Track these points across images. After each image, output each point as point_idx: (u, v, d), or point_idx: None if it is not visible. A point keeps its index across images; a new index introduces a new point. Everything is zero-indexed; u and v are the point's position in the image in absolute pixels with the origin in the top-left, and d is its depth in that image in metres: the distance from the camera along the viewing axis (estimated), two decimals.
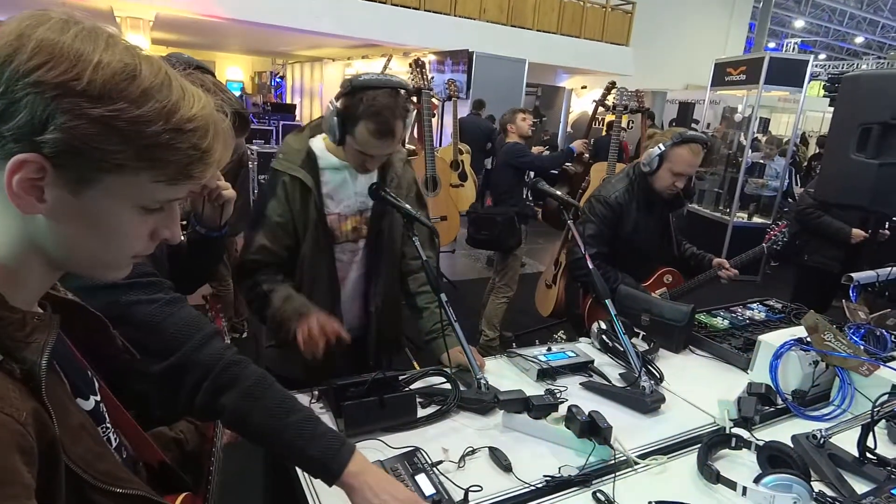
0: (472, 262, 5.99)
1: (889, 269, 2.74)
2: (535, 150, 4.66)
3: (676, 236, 2.44)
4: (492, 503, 1.05)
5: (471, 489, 1.04)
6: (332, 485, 0.86)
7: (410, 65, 3.22)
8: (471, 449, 1.19)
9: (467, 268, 5.86)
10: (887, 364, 1.44)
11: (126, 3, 7.56)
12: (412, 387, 1.39)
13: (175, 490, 0.81)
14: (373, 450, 1.17)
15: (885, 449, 1.29)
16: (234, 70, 16.95)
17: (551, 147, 9.42)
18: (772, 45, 17.22)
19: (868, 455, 1.21)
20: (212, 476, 0.96)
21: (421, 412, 1.31)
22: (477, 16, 9.31)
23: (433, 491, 1.01)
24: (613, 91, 3.88)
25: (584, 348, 1.73)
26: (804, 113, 7.43)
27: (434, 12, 8.98)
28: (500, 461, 1.16)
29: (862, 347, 1.52)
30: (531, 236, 6.96)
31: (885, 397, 1.21)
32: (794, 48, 17.83)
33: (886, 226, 3.43)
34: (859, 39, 20.18)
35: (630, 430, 1.33)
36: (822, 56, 19.06)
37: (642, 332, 1.79)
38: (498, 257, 3.75)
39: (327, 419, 1.27)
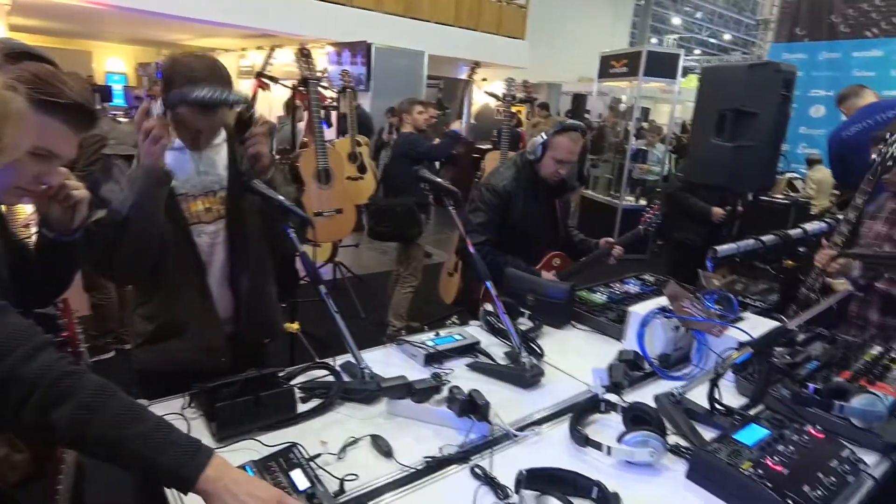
0: (378, 254, 5.95)
1: (747, 241, 3.06)
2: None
3: (563, 221, 2.56)
4: (370, 490, 1.05)
5: (346, 479, 1.03)
6: (187, 493, 0.81)
7: (296, 53, 3.12)
8: (352, 439, 1.18)
9: (373, 261, 5.81)
10: (734, 325, 1.60)
11: None
12: (294, 382, 1.36)
13: None
14: (247, 450, 1.12)
15: (734, 400, 1.44)
16: (115, 61, 15.52)
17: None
18: (654, 40, 18.57)
19: (717, 406, 1.34)
20: (58, 496, 0.88)
21: (302, 407, 1.28)
22: (374, 7, 9.19)
23: (308, 485, 0.98)
24: (478, 71, 3.97)
25: (473, 331, 1.78)
26: (682, 103, 8.06)
27: (330, 3, 8.75)
28: (382, 448, 1.16)
29: (715, 311, 1.68)
30: (437, 227, 7.06)
31: (728, 353, 1.34)
32: (672, 43, 19.34)
33: (739, 203, 3.80)
34: (727, 37, 22.28)
35: (511, 405, 1.38)
36: (698, 51, 20.84)
37: (527, 312, 1.87)
38: (400, 248, 3.76)
39: (201, 423, 1.21)
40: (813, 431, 1.21)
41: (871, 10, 6.15)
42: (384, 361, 1.57)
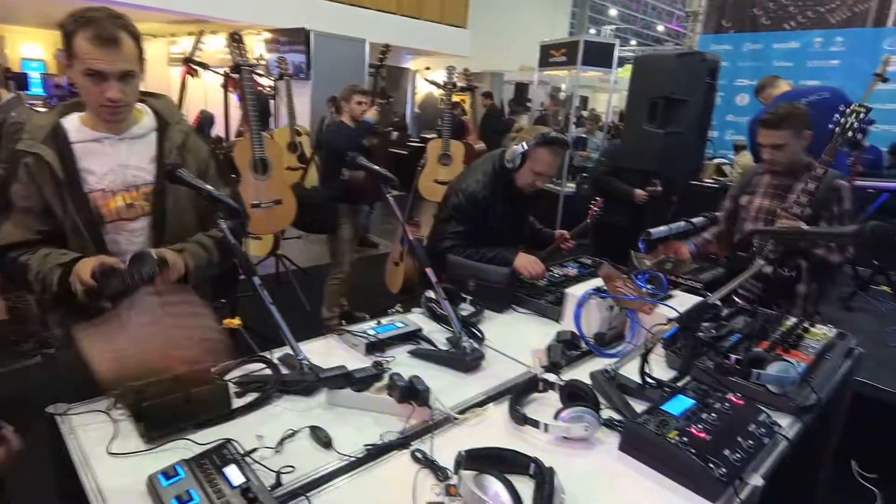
0: (321, 246, 5.82)
1: (678, 223, 3.20)
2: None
3: (529, 220, 2.59)
4: (308, 481, 1.04)
5: (282, 471, 1.01)
6: None
7: (227, 38, 2.99)
8: (291, 431, 1.16)
9: (317, 253, 5.69)
10: (664, 302, 1.68)
11: None
12: (229, 377, 1.32)
13: None
14: (180, 449, 1.08)
15: (664, 373, 1.51)
16: (31, 47, 14.38)
17: (400, 128, 9.49)
18: (592, 30, 19.05)
19: (648, 380, 1.40)
20: None
21: (238, 402, 1.25)
22: None
23: (242, 480, 0.96)
24: (388, 53, 3.88)
25: (415, 318, 1.78)
26: (619, 92, 8.31)
27: None
28: (321, 439, 1.15)
29: (646, 290, 1.75)
30: (385, 217, 6.99)
31: (656, 328, 1.40)
32: (610, 34, 19.89)
33: (657, 184, 3.96)
34: (660, 28, 23.16)
35: (452, 389, 1.39)
36: (634, 42, 21.53)
37: (469, 297, 1.89)
38: (327, 238, 3.72)
39: (129, 425, 1.16)
40: (734, 399, 1.29)
41: (788, 3, 6.54)
42: (325, 352, 1.54)
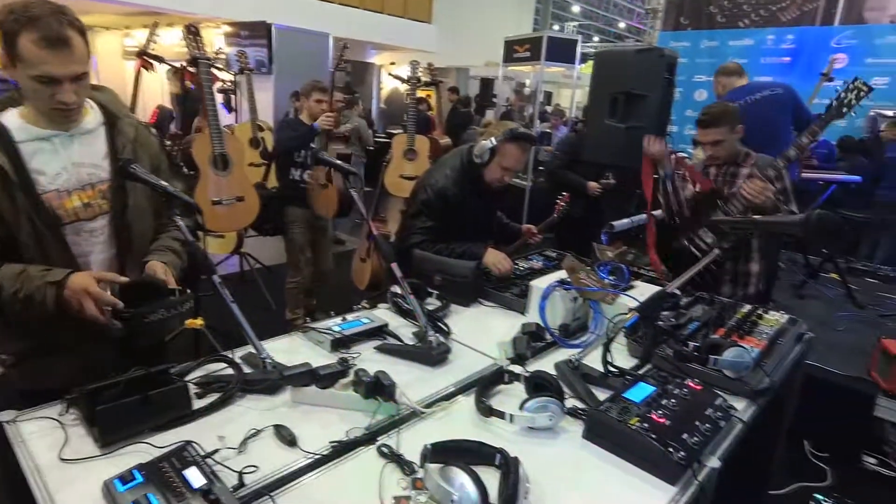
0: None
1: (640, 216, 3.27)
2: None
3: (497, 214, 2.60)
4: (273, 480, 1.02)
5: (244, 471, 1.00)
6: None
7: (183, 31, 2.90)
8: (254, 431, 1.14)
9: (283, 251, 5.62)
10: (625, 293, 1.72)
11: None
12: (189, 377, 1.29)
13: None
14: (138, 453, 1.05)
15: (627, 362, 1.54)
16: None
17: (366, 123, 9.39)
18: (556, 27, 19.27)
19: (610, 369, 1.43)
20: None
21: (199, 403, 1.22)
22: None
23: (203, 482, 0.94)
24: (345, 50, 3.81)
25: (381, 314, 1.77)
26: (583, 88, 8.42)
27: None
28: (285, 437, 1.13)
29: (608, 281, 1.78)
30: (353, 214, 6.91)
31: (618, 318, 1.43)
32: (572, 30, 20.14)
33: (609, 176, 4.06)
34: (622, 25, 23.60)
35: (419, 384, 1.39)
36: (596, 38, 21.89)
37: (436, 292, 1.89)
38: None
39: (81, 430, 1.12)
40: (692, 384, 1.33)
41: (743, 2, 6.75)
42: (289, 350, 1.52)
